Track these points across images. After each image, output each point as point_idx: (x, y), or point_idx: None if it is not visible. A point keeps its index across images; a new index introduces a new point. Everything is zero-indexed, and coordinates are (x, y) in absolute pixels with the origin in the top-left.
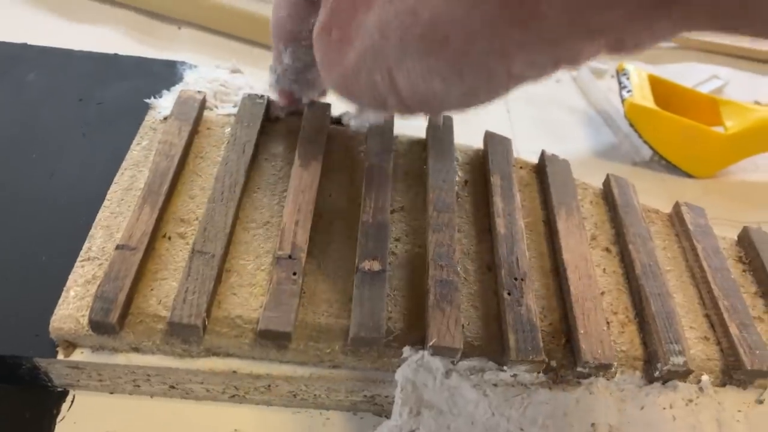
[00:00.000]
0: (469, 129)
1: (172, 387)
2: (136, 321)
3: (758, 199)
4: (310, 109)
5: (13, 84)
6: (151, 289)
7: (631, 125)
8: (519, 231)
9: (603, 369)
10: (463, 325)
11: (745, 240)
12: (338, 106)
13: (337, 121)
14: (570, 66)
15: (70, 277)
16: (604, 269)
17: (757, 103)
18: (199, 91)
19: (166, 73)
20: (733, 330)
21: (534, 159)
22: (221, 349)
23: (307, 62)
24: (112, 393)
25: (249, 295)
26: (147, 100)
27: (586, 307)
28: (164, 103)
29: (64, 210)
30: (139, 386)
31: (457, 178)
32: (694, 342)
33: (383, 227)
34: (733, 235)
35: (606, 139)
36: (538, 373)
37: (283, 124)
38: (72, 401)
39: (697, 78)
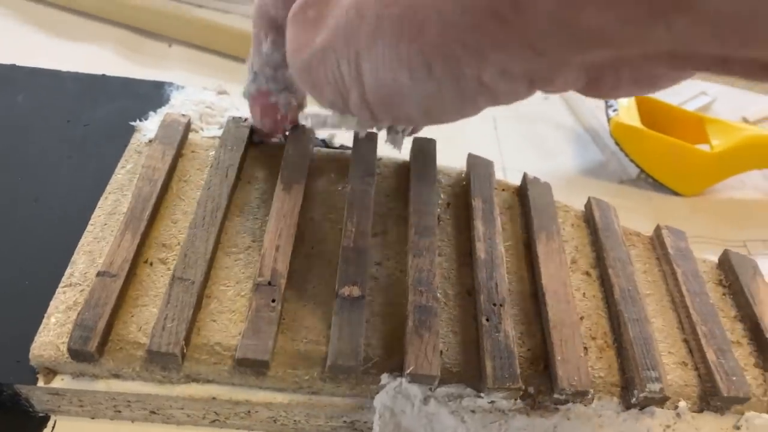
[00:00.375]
0: (456, 146)
1: (153, 412)
2: (116, 348)
3: (745, 217)
4: (293, 132)
5: (2, 106)
6: (132, 316)
7: (617, 144)
8: (499, 256)
9: (580, 396)
10: (441, 351)
11: (725, 263)
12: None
13: (323, 143)
14: (544, 86)
15: (52, 303)
16: (584, 293)
17: (744, 120)
18: (183, 114)
19: (153, 95)
20: (710, 356)
21: (520, 176)
22: (201, 375)
23: (285, 55)
24: (93, 418)
25: (228, 322)
26: (132, 123)
27: (564, 333)
28: (150, 126)
29: (48, 234)
30: (120, 411)
31: (440, 201)
32: (672, 367)
33: (364, 252)
34: (718, 253)
35: (593, 157)
36: (516, 399)
37: (268, 147)
38: (53, 426)
39: (685, 94)
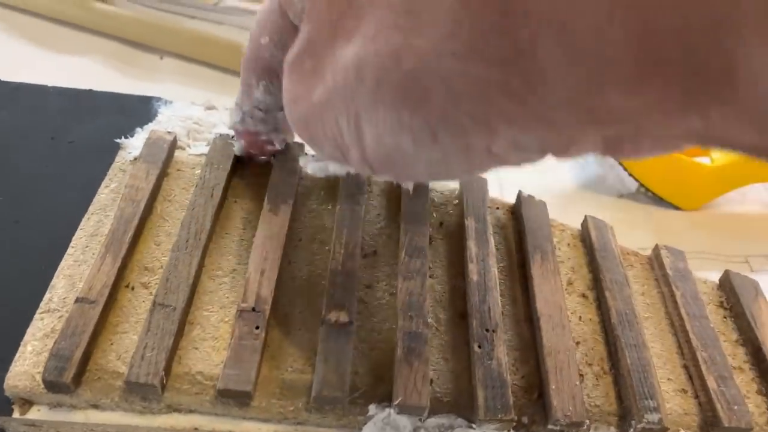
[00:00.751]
0: None
1: None
2: (94, 378)
3: (747, 231)
4: (282, 149)
5: None
6: (111, 344)
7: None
8: (492, 278)
9: (575, 427)
10: (432, 380)
11: (726, 284)
12: None
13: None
14: (558, 157)
15: (29, 330)
16: (580, 317)
17: None
18: (169, 132)
19: (141, 110)
20: (711, 384)
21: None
22: (182, 405)
23: (278, 99)
24: None
25: (211, 350)
26: (118, 140)
27: (559, 360)
28: (135, 143)
29: (28, 257)
30: None
31: (432, 220)
32: (671, 395)
33: (352, 275)
34: (719, 270)
35: (591, 171)
36: (509, 430)
37: (256, 165)
38: None
39: None
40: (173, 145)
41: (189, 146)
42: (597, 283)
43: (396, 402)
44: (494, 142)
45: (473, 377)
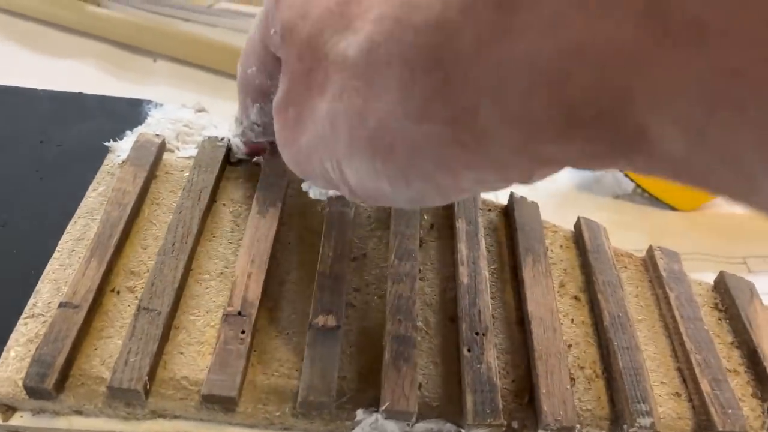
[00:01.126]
0: None
1: None
2: (77, 383)
3: (744, 232)
4: (271, 152)
5: None
6: (95, 349)
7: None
8: (483, 281)
9: (565, 431)
10: (420, 384)
11: (721, 286)
12: None
13: None
14: (523, 183)
15: (12, 335)
16: (572, 319)
17: None
18: (157, 135)
19: (131, 113)
20: (705, 387)
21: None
22: (167, 411)
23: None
24: None
25: (197, 354)
26: (106, 143)
27: (550, 364)
28: (124, 146)
29: (13, 262)
30: None
31: (423, 222)
32: (665, 398)
33: (340, 278)
34: (717, 271)
35: (588, 172)
36: None
37: (245, 168)
38: None
39: None
40: (161, 148)
41: (178, 149)
42: (590, 285)
43: (383, 407)
44: (460, 181)
45: (462, 381)
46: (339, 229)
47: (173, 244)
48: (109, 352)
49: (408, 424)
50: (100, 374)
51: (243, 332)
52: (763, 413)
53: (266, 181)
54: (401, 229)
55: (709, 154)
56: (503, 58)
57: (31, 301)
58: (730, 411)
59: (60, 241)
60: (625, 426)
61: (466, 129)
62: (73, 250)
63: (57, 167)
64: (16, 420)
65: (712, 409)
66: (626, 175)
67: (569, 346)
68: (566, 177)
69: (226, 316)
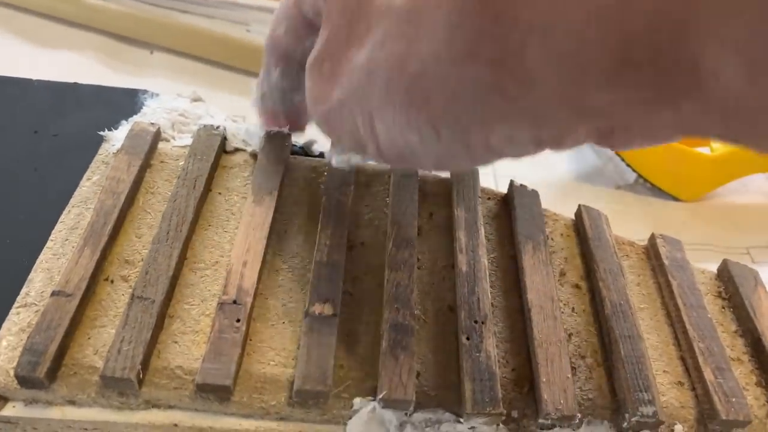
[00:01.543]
0: None
1: None
2: (70, 373)
3: (747, 223)
4: (267, 139)
5: None
6: (88, 338)
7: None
8: (482, 269)
9: (566, 420)
10: (418, 373)
11: (724, 274)
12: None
13: (302, 150)
14: (553, 148)
15: (4, 325)
16: (573, 308)
17: None
18: (152, 123)
19: (126, 103)
20: (708, 375)
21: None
22: (161, 401)
23: (294, 84)
24: None
25: (191, 344)
26: (101, 133)
27: (550, 353)
28: (119, 135)
29: (6, 251)
30: None
31: (421, 211)
32: (667, 387)
33: (338, 267)
34: (719, 261)
35: (589, 162)
36: (498, 424)
37: (242, 156)
38: None
39: None
40: (156, 137)
41: (174, 138)
42: (591, 274)
43: (380, 396)
44: (492, 137)
45: (461, 370)
46: (336, 217)
47: (168, 233)
48: (103, 342)
49: (406, 413)
50: (93, 363)
51: (238, 321)
52: (767, 402)
53: (262, 170)
54: (399, 218)
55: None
56: None
57: (24, 290)
58: (734, 399)
59: (53, 231)
60: (627, 415)
61: (509, 72)
62: (67, 240)
63: (51, 157)
64: (8, 410)
65: (715, 398)
66: (628, 165)
67: (570, 335)
68: (566, 167)
69: (221, 305)
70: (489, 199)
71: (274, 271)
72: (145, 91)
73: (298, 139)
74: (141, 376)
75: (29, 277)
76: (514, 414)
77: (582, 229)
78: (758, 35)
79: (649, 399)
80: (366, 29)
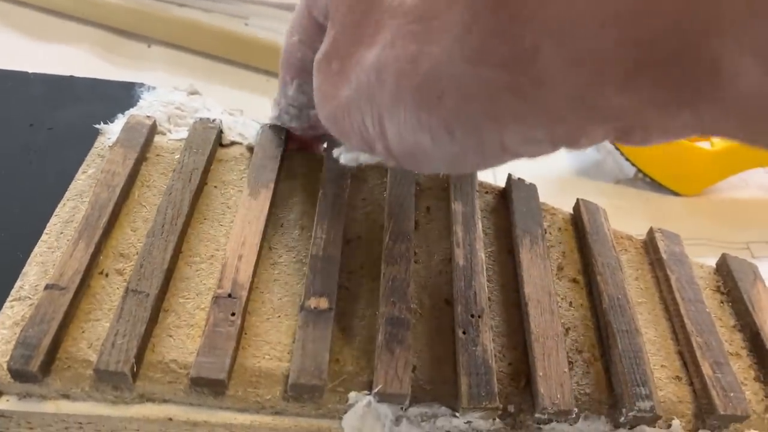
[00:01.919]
0: None
1: None
2: (64, 367)
3: (747, 217)
4: (264, 132)
5: None
6: (82, 332)
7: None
8: (479, 263)
9: (563, 415)
10: (415, 366)
11: (723, 268)
12: None
13: None
14: (569, 147)
15: None
16: (571, 302)
17: None
18: (148, 116)
19: (123, 96)
20: (706, 370)
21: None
22: (156, 395)
23: (311, 98)
24: None
25: (186, 337)
26: (97, 126)
27: (547, 347)
28: (115, 129)
29: (1, 244)
30: None
31: (418, 205)
32: (665, 382)
33: (333, 261)
34: (718, 256)
35: (588, 156)
36: (494, 419)
37: (238, 149)
38: None
39: None
40: (152, 130)
41: (170, 131)
42: (588, 268)
43: (376, 390)
44: (506, 137)
45: (457, 364)
46: (333, 211)
47: (163, 226)
48: (97, 335)
49: (401, 407)
50: (87, 357)
51: (233, 314)
52: (766, 397)
53: (258, 163)
54: (396, 211)
55: None
56: None
57: (18, 283)
58: (732, 394)
59: (48, 224)
60: (624, 410)
61: (523, 72)
62: (62, 233)
63: (47, 150)
64: (2, 404)
65: (713, 393)
66: (627, 159)
67: (567, 329)
68: (565, 162)
69: (216, 298)
70: (487, 192)
71: (269, 264)
72: (141, 85)
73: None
74: (135, 369)
75: (23, 270)
76: (511, 408)
77: (580, 223)
78: None
79: (647, 393)
80: (376, 28)
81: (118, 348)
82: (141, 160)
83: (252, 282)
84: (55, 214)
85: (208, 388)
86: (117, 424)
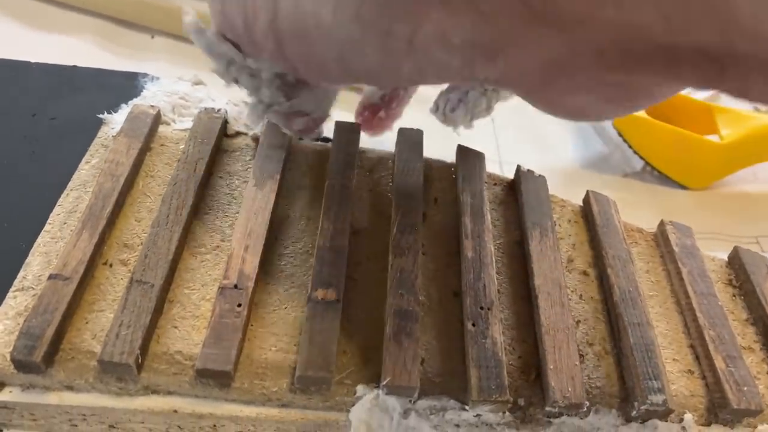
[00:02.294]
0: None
1: (112, 426)
2: (68, 358)
3: (757, 211)
4: (269, 123)
5: None
6: (86, 322)
7: (620, 135)
8: (488, 254)
9: (574, 408)
10: (423, 359)
11: (735, 262)
12: None
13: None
14: (484, 67)
15: (1, 309)
16: (581, 295)
17: (756, 109)
18: (152, 106)
19: (126, 86)
20: (719, 363)
21: None
22: (160, 387)
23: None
24: None
25: (191, 329)
26: (100, 116)
27: (558, 339)
28: (118, 119)
29: (4, 235)
30: (76, 426)
31: (426, 196)
32: (677, 376)
33: (341, 252)
34: (728, 250)
35: (596, 149)
36: (504, 412)
37: (243, 140)
38: None
39: None
40: (156, 120)
41: (174, 122)
42: (599, 260)
43: (384, 382)
44: (420, 28)
45: (466, 357)
46: (339, 202)
47: (167, 216)
48: (101, 326)
49: (410, 400)
50: (91, 348)
51: (239, 305)
52: None
53: (264, 154)
54: (404, 203)
55: None
56: None
57: (21, 273)
58: (745, 388)
59: (51, 214)
60: (636, 403)
61: None
62: (65, 223)
63: (49, 140)
64: (5, 395)
65: (726, 387)
66: (636, 152)
67: (578, 322)
68: (572, 155)
69: (222, 289)
70: (495, 184)
71: (276, 255)
72: (145, 75)
73: None
74: (140, 361)
75: (26, 260)
76: (521, 402)
77: (590, 215)
78: None
79: (659, 387)
80: None
81: (123, 339)
82: (145, 150)
83: (258, 273)
84: (58, 204)
85: (214, 379)
86: (121, 416)
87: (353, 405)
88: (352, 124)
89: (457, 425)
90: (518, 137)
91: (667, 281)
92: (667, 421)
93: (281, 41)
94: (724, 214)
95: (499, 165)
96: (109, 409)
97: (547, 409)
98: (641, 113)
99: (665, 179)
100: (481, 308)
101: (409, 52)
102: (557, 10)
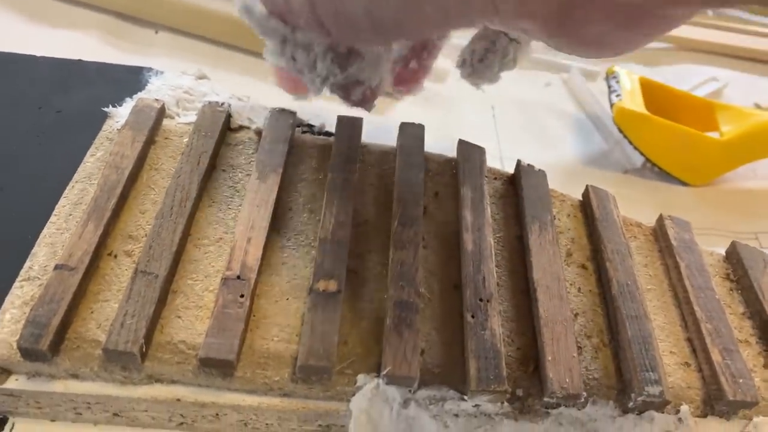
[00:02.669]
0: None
1: (116, 415)
2: (73, 346)
3: (756, 208)
4: (272, 116)
5: None
6: (91, 312)
7: (621, 131)
8: (487, 247)
9: (572, 399)
10: (423, 350)
11: (733, 256)
12: (306, 112)
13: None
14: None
15: (8, 298)
16: (579, 288)
17: (757, 106)
18: (156, 99)
19: (131, 80)
20: (716, 356)
21: None
22: (164, 375)
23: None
24: (53, 420)
25: (194, 319)
26: (105, 109)
27: (556, 332)
28: (123, 112)
29: (10, 226)
30: (80, 414)
31: (427, 190)
32: (674, 368)
33: (342, 244)
34: (727, 246)
35: (596, 146)
36: (503, 402)
37: (246, 133)
38: (12, 429)
39: (695, 80)
40: (161, 113)
41: (178, 115)
42: (597, 254)
43: (384, 372)
44: None
45: (466, 348)
46: (341, 195)
47: (171, 209)
48: (106, 316)
49: (410, 390)
50: (96, 337)
51: (242, 296)
52: None
53: (267, 148)
54: (405, 196)
55: None
56: None
57: (27, 264)
58: (741, 381)
59: (57, 206)
60: (633, 395)
61: None
62: (71, 215)
63: (55, 133)
64: (11, 383)
65: (722, 379)
66: (636, 149)
67: (576, 315)
68: (573, 151)
69: (225, 280)
70: (495, 179)
71: (278, 247)
72: (149, 69)
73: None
74: (144, 350)
75: (32, 251)
76: (519, 392)
77: (589, 210)
78: None
79: (656, 379)
80: None
81: (127, 328)
82: (149, 143)
83: (260, 265)
84: (63, 195)
85: (217, 369)
86: (125, 404)
87: (354, 395)
88: (354, 118)
89: (456, 415)
90: (519, 133)
91: (665, 275)
92: (663, 412)
93: (314, 2)
94: (724, 211)
95: (500, 160)
96: (113, 398)
97: (545, 399)
98: (642, 110)
99: (665, 176)
100: (481, 300)
101: None
102: None
